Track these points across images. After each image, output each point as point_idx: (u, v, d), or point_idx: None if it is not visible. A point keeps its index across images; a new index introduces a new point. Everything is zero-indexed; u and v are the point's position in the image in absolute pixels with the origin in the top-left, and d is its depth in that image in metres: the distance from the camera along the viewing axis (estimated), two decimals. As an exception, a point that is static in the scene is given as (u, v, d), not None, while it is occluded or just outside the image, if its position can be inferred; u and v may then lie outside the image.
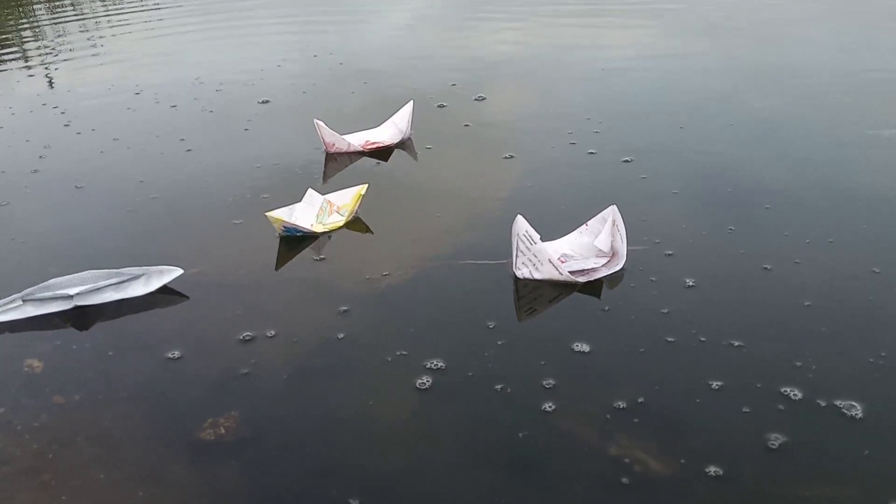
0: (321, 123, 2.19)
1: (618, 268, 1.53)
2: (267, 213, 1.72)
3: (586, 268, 1.54)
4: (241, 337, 1.40)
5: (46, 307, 1.50)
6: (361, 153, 2.25)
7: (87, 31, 4.38)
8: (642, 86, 2.72)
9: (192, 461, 1.14)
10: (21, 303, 1.50)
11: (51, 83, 3.26)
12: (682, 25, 3.64)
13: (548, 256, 1.48)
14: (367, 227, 1.80)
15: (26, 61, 3.70)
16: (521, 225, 1.49)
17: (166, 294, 1.56)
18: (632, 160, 2.01)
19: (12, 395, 1.29)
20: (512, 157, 2.16)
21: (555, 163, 2.11)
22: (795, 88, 2.64)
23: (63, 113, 2.78)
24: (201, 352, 1.39)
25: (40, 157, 2.38)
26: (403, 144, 2.29)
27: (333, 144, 2.21)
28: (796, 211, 1.76)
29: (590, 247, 1.59)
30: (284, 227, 1.72)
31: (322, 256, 1.69)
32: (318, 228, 1.76)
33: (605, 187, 1.90)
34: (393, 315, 1.46)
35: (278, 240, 1.74)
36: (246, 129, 2.50)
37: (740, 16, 3.81)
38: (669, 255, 1.59)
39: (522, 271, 1.52)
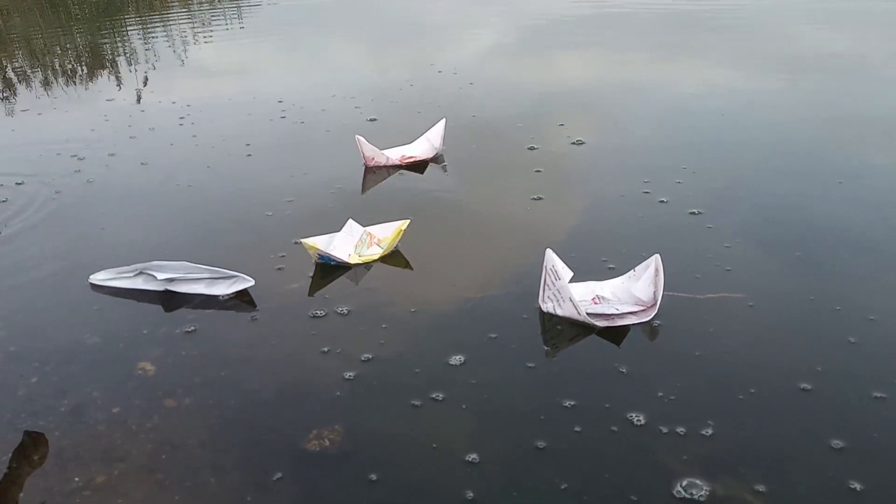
0: (362, 139, 2.28)
1: (647, 318, 1.47)
2: (303, 240, 1.74)
3: (609, 313, 1.49)
4: (336, 350, 1.43)
5: (149, 283, 1.66)
6: (398, 166, 2.33)
7: (174, 46, 4.57)
8: (713, 125, 2.64)
9: (297, 471, 1.16)
10: (133, 274, 1.69)
11: (138, 97, 3.40)
12: (757, 62, 3.53)
13: (569, 295, 1.45)
14: (407, 262, 1.79)
15: (117, 74, 3.87)
16: (550, 259, 1.48)
17: (244, 302, 1.63)
18: (701, 212, 1.92)
19: (127, 397, 1.35)
20: (570, 191, 2.13)
21: (612, 199, 2.06)
22: (875, 131, 2.51)
23: (151, 125, 2.91)
24: (302, 365, 1.42)
25: (142, 163, 2.49)
26: (436, 159, 2.38)
27: (373, 158, 2.31)
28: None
29: (630, 293, 1.55)
30: (319, 256, 1.73)
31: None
32: (354, 260, 1.75)
33: (659, 230, 1.85)
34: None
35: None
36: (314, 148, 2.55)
37: (812, 50, 3.71)
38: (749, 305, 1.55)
39: (547, 305, 1.50)
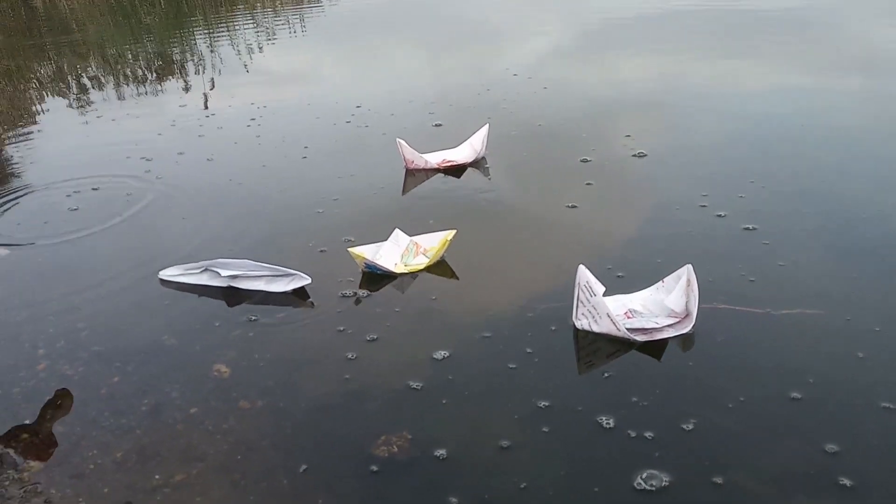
0: (402, 142, 2.34)
1: (685, 330, 1.45)
2: (350, 249, 1.77)
3: (648, 327, 1.47)
4: (409, 357, 1.46)
5: (214, 280, 1.75)
6: (437, 170, 2.37)
7: (240, 52, 4.67)
8: (784, 132, 2.56)
9: (366, 476, 1.19)
10: (199, 271, 1.77)
11: (205, 102, 3.49)
12: (830, 64, 3.44)
13: (606, 311, 1.43)
14: (452, 272, 1.80)
15: (185, 80, 3.98)
16: (583, 275, 1.45)
17: (304, 302, 1.70)
18: (755, 227, 1.87)
19: (203, 398, 1.40)
20: (620, 203, 2.11)
21: (665, 212, 2.02)
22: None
23: (221, 127, 2.99)
24: (363, 370, 1.45)
25: (208, 158, 2.57)
26: (476, 164, 2.41)
27: (412, 161, 2.36)
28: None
29: (661, 305, 1.53)
30: (366, 265, 1.76)
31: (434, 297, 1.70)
32: (400, 269, 1.77)
33: (707, 244, 1.82)
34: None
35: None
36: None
37: (890, 51, 3.59)
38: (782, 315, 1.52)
39: (582, 322, 1.48)
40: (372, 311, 1.65)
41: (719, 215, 1.94)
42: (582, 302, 1.46)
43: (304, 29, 5.34)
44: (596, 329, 1.46)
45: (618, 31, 4.39)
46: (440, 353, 1.46)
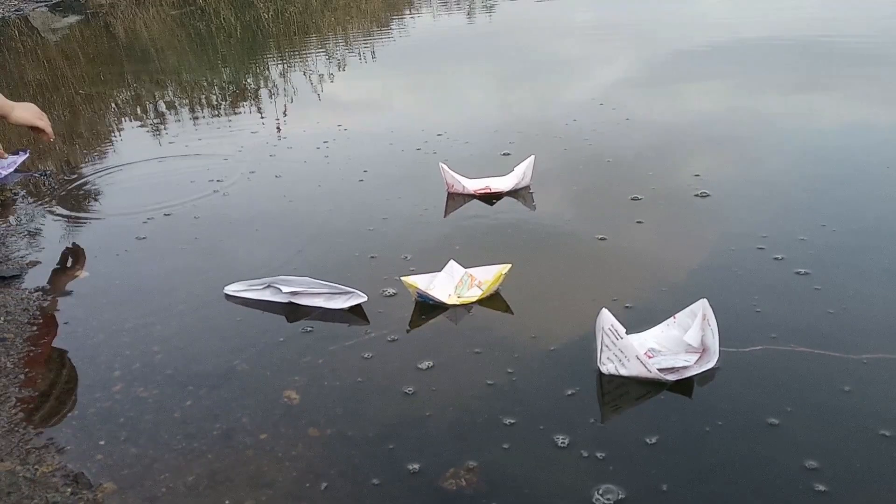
0: (444, 166, 2.39)
1: (710, 365, 1.41)
2: (403, 279, 1.77)
3: (677, 366, 1.43)
4: (469, 387, 1.44)
5: (276, 296, 1.79)
6: (474, 196, 2.39)
7: (312, 82, 4.76)
8: (860, 173, 2.44)
9: (435, 510, 1.17)
10: (263, 287, 1.82)
11: (278, 128, 3.55)
12: None
13: (635, 353, 1.40)
14: (507, 306, 1.77)
15: (258, 106, 4.06)
16: (607, 319, 1.41)
17: (363, 321, 1.73)
18: (808, 272, 1.78)
19: (273, 424, 1.40)
20: (674, 240, 2.05)
21: (717, 254, 1.95)
22: None
23: (290, 147, 3.04)
24: (431, 397, 1.43)
25: (277, 175, 2.61)
26: (517, 194, 2.39)
27: (452, 186, 2.40)
28: None
29: (678, 341, 1.49)
30: (419, 295, 1.75)
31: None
32: (452, 300, 1.76)
33: (753, 288, 1.74)
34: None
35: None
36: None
37: None
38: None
39: (607, 367, 1.43)
40: (427, 339, 1.64)
41: (776, 258, 1.86)
42: (607, 346, 1.42)
43: (374, 57, 5.42)
44: (624, 372, 1.42)
45: (694, 61, 4.31)
46: (497, 383, 1.46)
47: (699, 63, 4.28)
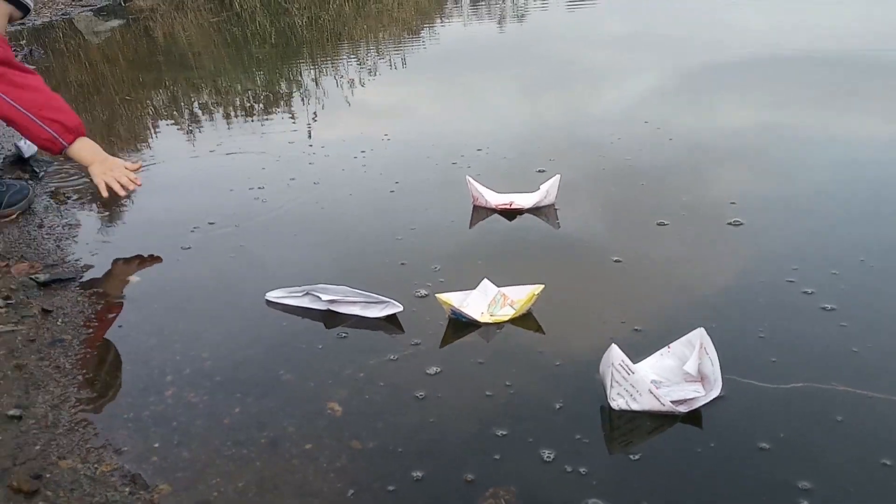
0: (470, 179, 2.47)
1: (714, 394, 1.45)
2: (438, 295, 1.83)
3: (687, 397, 1.47)
4: (510, 407, 1.50)
5: (314, 303, 1.88)
6: (496, 210, 2.45)
7: (349, 91, 4.83)
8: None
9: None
10: (301, 294, 1.90)
11: (309, 133, 3.62)
12: None
13: (648, 387, 1.43)
14: (538, 326, 1.82)
15: (292, 112, 4.14)
16: (616, 355, 1.44)
17: (397, 327, 1.81)
18: (834, 308, 1.80)
19: (318, 435, 1.47)
20: (697, 270, 2.07)
21: (743, 287, 1.96)
22: None
23: (323, 147, 3.11)
24: (470, 415, 1.49)
25: (315, 182, 2.68)
26: (538, 212, 2.44)
27: (477, 199, 2.47)
28: None
29: (675, 371, 1.52)
30: (452, 311, 1.82)
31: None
32: (485, 319, 1.82)
33: (775, 324, 1.75)
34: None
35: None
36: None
37: None
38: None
39: (618, 402, 1.46)
40: (462, 356, 1.71)
41: (805, 292, 1.88)
42: (617, 381, 1.45)
43: (407, 65, 5.47)
44: (635, 407, 1.45)
45: (736, 76, 4.26)
46: (533, 404, 1.52)
47: (741, 78, 4.27)
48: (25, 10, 2.39)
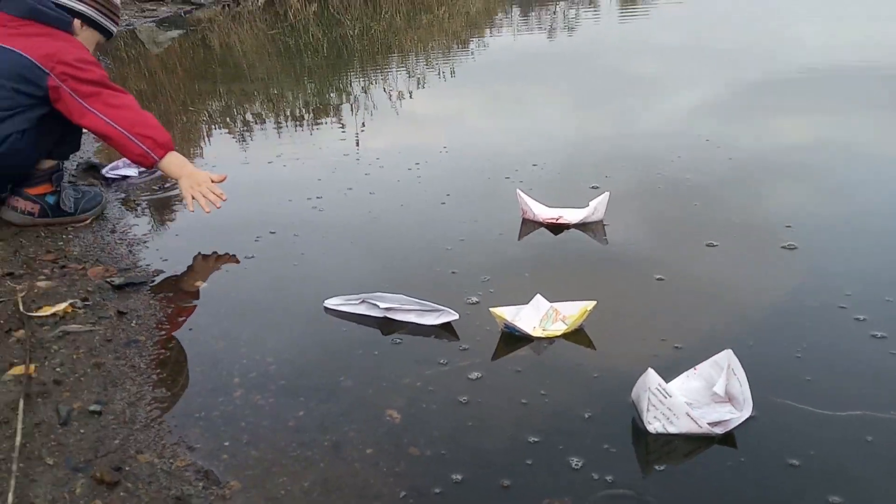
0: (520, 191, 2.54)
1: (747, 415, 1.49)
2: (491, 310, 1.89)
3: (723, 419, 1.50)
4: (563, 421, 1.56)
5: (371, 311, 1.97)
6: (543, 224, 2.51)
7: (404, 103, 4.92)
8: None
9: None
10: (358, 302, 1.98)
11: (367, 145, 3.72)
12: None
13: (685, 410, 1.46)
14: (590, 341, 1.88)
15: (343, 122, 4.23)
16: (653, 380, 1.48)
17: (452, 335, 1.89)
18: (884, 336, 1.80)
19: (378, 440, 1.54)
20: (743, 295, 2.07)
21: (791, 313, 1.97)
22: None
23: (378, 159, 3.19)
24: (526, 427, 1.55)
25: (371, 192, 2.76)
26: (586, 227, 2.49)
27: (526, 212, 2.54)
28: None
29: (703, 392, 1.56)
30: (506, 325, 1.88)
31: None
32: (538, 333, 1.87)
33: (821, 350, 1.77)
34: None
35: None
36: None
37: None
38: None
39: (654, 426, 1.50)
40: (504, 365, 1.78)
41: (857, 318, 1.88)
42: (654, 405, 1.49)
43: (461, 76, 5.54)
44: (672, 430, 1.49)
45: (799, 92, 4.22)
46: (587, 417, 1.57)
47: (799, 92, 4.24)
48: (110, 35, 2.54)
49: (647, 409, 1.49)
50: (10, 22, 2.32)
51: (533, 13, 9.35)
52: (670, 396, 1.47)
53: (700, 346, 1.77)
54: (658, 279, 2.14)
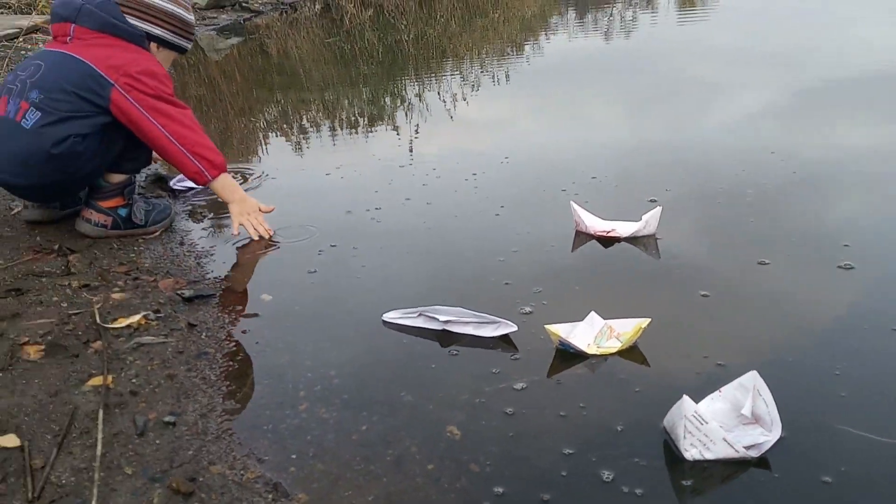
0: (574, 204, 2.57)
1: (777, 435, 1.51)
2: (546, 327, 1.92)
3: (757, 441, 1.50)
4: (624, 443, 1.58)
5: (429, 323, 2.02)
6: (595, 237, 2.54)
7: (446, 101, 4.95)
8: None
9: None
10: (416, 315, 2.03)
11: (410, 148, 3.79)
12: None
13: (721, 435, 1.47)
14: (644, 359, 1.89)
15: (398, 130, 4.29)
16: (689, 407, 1.49)
17: (510, 348, 1.93)
18: None
19: (439, 456, 1.58)
20: (792, 315, 2.05)
21: (839, 332, 1.96)
22: None
23: (435, 169, 3.23)
24: (582, 445, 1.58)
25: (428, 202, 2.81)
26: (638, 241, 2.51)
27: (579, 224, 2.57)
28: None
29: (728, 414, 1.57)
30: (560, 342, 1.90)
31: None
32: (592, 350, 1.90)
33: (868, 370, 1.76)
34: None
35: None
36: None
37: None
38: None
39: (691, 452, 1.50)
40: (569, 386, 1.80)
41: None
42: (690, 432, 1.50)
43: (513, 83, 5.55)
44: (709, 456, 1.50)
45: (869, 102, 4.14)
46: (601, 427, 1.61)
47: (867, 99, 4.15)
48: (184, 51, 2.65)
49: (684, 437, 1.51)
50: (85, 34, 2.43)
51: (589, 15, 9.30)
52: (707, 423, 1.49)
53: (743, 364, 1.78)
54: (703, 295, 2.15)
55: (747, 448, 1.50)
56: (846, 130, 3.73)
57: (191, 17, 2.68)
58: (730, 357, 1.84)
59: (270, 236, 2.61)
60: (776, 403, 1.56)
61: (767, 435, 1.53)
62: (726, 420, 1.59)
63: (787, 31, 6.92)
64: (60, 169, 2.38)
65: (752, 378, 1.59)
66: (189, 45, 2.71)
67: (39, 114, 2.32)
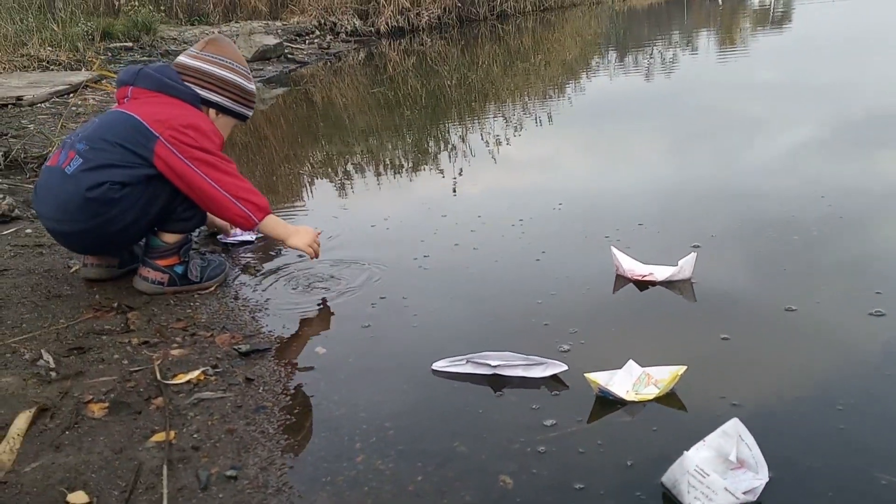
0: (615, 249, 2.62)
1: (766, 478, 1.56)
2: (586, 375, 1.95)
3: (753, 486, 1.54)
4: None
5: (478, 369, 2.07)
6: (633, 280, 2.59)
7: (489, 143, 5.01)
8: None
9: None
10: (464, 362, 2.08)
11: (454, 189, 3.85)
12: None
13: (723, 486, 1.51)
14: (682, 404, 1.92)
15: (441, 172, 4.36)
16: (690, 462, 1.54)
17: (560, 387, 1.99)
18: None
19: (492, 506, 1.60)
20: (819, 360, 2.07)
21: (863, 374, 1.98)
22: None
23: (480, 217, 3.28)
24: (634, 495, 1.58)
25: (475, 247, 2.85)
26: (673, 286, 2.55)
27: (618, 269, 2.61)
28: None
29: (714, 461, 1.62)
30: (600, 390, 1.93)
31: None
32: (631, 397, 1.93)
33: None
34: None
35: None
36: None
37: None
38: None
39: None
40: (611, 432, 1.83)
41: None
42: (693, 486, 1.54)
43: (555, 124, 5.60)
44: None
45: None
46: (613, 462, 1.59)
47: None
48: (245, 119, 2.77)
49: (688, 492, 1.56)
50: (141, 94, 2.56)
51: (629, 57, 9.35)
52: (708, 475, 1.54)
53: (758, 406, 1.84)
54: (724, 338, 2.20)
55: (745, 493, 1.55)
56: (891, 177, 3.69)
57: (252, 86, 2.78)
58: (746, 399, 1.89)
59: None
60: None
61: (758, 479, 1.58)
62: (716, 467, 1.64)
63: (833, 62, 6.86)
64: (95, 213, 2.44)
65: (733, 426, 1.65)
66: (250, 113, 2.81)
67: (81, 160, 2.43)
